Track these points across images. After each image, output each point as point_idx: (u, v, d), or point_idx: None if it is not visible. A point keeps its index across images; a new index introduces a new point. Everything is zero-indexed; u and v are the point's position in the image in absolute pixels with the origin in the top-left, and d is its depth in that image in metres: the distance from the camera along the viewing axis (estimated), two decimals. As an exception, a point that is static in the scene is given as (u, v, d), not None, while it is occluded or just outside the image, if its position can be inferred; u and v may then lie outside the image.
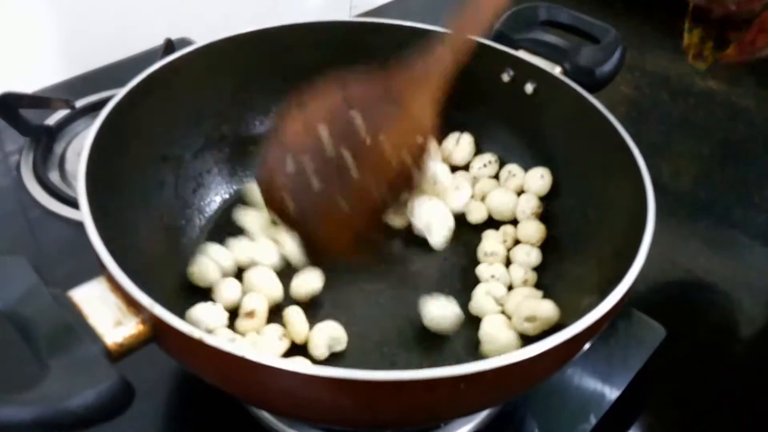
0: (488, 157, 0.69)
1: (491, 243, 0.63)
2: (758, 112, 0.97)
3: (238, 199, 0.66)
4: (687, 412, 0.61)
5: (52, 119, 0.81)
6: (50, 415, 0.34)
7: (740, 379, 0.65)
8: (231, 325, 0.54)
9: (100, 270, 0.42)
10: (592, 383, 0.58)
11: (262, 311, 0.55)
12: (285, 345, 0.53)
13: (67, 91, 0.85)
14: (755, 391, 0.64)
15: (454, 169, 0.69)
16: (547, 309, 0.54)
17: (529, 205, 0.64)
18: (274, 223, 0.60)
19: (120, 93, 0.54)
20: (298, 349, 0.54)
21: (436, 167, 0.65)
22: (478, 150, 0.70)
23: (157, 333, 0.41)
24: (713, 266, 0.75)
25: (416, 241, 0.63)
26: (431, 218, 0.63)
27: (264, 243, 0.60)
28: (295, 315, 0.54)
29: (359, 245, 0.57)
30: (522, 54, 0.65)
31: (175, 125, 0.62)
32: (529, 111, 0.65)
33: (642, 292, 0.44)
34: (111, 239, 0.43)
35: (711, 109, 0.98)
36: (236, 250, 0.59)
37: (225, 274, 0.58)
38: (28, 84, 0.83)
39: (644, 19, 1.10)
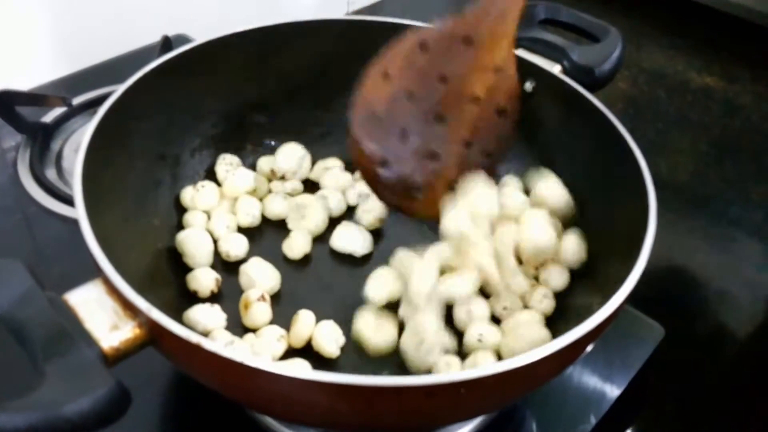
0: None
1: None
2: (755, 109, 0.97)
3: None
4: (686, 411, 0.61)
5: (49, 116, 0.80)
6: (45, 423, 0.34)
7: (739, 377, 0.65)
8: (229, 326, 0.54)
9: (96, 272, 0.42)
10: (591, 383, 0.58)
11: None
12: (283, 346, 0.53)
13: (64, 88, 0.84)
14: (754, 390, 0.64)
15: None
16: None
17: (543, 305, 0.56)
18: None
19: (117, 91, 0.54)
20: (297, 350, 0.54)
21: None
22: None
23: (154, 337, 0.40)
24: (711, 263, 0.75)
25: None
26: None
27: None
28: (306, 317, 0.54)
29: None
30: (521, 52, 0.64)
31: (172, 123, 0.61)
32: (528, 109, 0.65)
33: (640, 290, 0.43)
34: (107, 240, 0.43)
35: (708, 105, 0.98)
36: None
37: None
38: (24, 81, 0.83)
39: (641, 16, 1.10)
